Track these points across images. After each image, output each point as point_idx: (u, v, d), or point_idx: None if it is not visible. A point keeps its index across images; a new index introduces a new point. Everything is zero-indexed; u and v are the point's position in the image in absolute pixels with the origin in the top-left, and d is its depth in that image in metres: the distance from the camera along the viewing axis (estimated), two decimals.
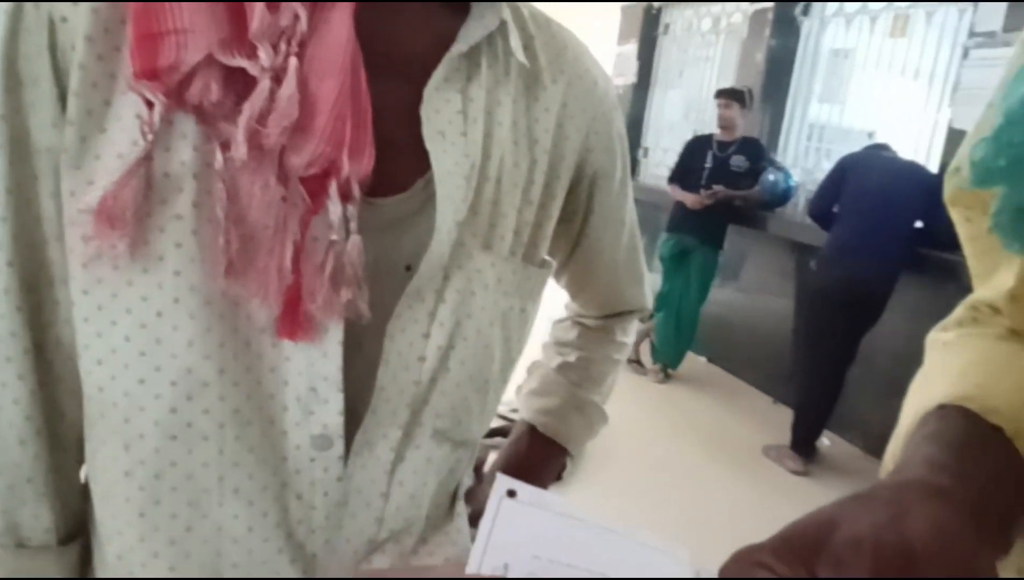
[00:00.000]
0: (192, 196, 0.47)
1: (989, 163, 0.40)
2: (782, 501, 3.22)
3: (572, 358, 0.85)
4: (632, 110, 6.21)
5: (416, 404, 0.56)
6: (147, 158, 0.45)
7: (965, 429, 0.39)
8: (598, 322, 0.86)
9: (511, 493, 0.27)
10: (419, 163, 0.53)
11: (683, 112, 5.94)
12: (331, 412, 0.52)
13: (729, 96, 4.33)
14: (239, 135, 0.45)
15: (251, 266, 0.47)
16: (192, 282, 0.47)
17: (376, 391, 0.54)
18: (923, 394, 0.44)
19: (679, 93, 6.03)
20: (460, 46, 0.53)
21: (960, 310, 0.50)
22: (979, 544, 0.30)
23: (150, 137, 0.45)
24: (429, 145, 0.53)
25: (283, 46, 0.45)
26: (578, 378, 0.85)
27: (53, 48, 0.45)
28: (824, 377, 3.50)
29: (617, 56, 6.50)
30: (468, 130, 0.54)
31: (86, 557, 0.58)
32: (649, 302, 0.85)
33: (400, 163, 0.53)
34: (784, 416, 3.80)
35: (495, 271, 0.57)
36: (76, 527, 0.57)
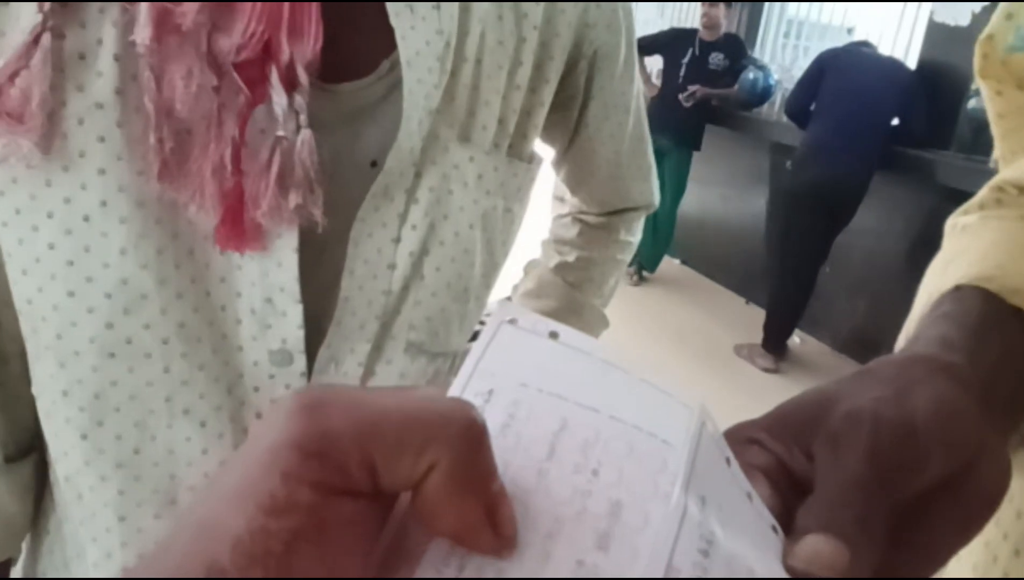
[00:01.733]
0: (114, 82, 0.41)
1: None
2: (753, 398, 3.30)
3: (571, 258, 0.79)
4: None
5: (387, 316, 0.52)
6: (56, 35, 0.39)
7: (982, 309, 0.37)
8: (600, 219, 0.79)
9: (512, 321, 0.24)
10: (383, 42, 0.47)
11: (658, 9, 5.75)
12: (290, 326, 0.48)
13: None
14: (141, 15, 0.39)
15: (184, 166, 0.42)
16: (120, 182, 0.42)
17: (340, 302, 0.50)
18: (939, 277, 0.42)
19: None
20: None
21: (984, 192, 0.48)
22: (986, 423, 0.28)
23: (46, 7, 0.39)
24: (394, 20, 0.46)
25: None
26: (577, 280, 0.80)
27: None
28: (796, 276, 3.53)
29: None
30: (441, 2, 0.48)
31: (42, 477, 0.55)
32: (656, 198, 0.79)
33: (360, 42, 0.47)
34: (756, 316, 3.86)
35: (475, 166, 0.52)
36: (28, 444, 0.54)
